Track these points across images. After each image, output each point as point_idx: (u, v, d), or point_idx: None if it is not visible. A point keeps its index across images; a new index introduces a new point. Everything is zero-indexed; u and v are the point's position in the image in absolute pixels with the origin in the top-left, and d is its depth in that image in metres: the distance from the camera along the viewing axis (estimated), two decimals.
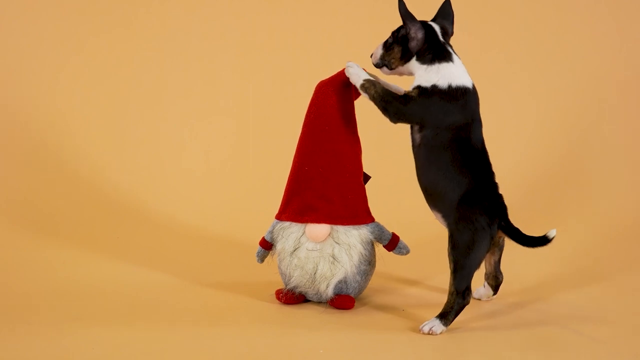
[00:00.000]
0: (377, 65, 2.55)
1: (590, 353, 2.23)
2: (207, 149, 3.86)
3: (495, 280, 2.62)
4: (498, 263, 2.59)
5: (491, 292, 2.64)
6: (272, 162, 3.71)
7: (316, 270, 2.53)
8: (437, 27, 2.48)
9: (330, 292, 2.55)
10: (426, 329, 2.34)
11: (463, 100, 2.40)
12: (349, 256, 2.55)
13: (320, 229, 2.54)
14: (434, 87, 2.39)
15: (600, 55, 3.96)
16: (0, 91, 3.86)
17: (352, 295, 2.60)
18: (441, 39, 2.46)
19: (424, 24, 2.48)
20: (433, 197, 2.43)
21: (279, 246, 2.60)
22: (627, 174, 3.76)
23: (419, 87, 2.41)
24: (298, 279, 2.56)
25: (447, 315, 2.35)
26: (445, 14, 2.55)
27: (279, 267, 2.63)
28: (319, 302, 2.63)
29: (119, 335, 2.34)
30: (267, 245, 2.65)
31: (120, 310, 2.55)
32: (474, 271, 2.37)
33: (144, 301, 2.64)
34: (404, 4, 2.46)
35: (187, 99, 3.94)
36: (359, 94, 2.62)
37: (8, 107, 3.86)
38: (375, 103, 2.47)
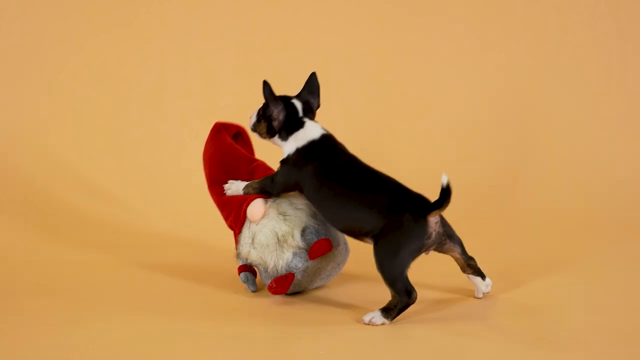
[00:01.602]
0: (252, 130, 2.74)
1: (576, 345, 2.23)
2: None
3: (471, 268, 2.61)
4: (463, 253, 2.57)
5: (479, 279, 2.61)
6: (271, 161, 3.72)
7: (277, 235, 2.57)
8: (299, 105, 2.66)
9: (298, 238, 2.57)
10: (367, 319, 2.41)
11: (310, 150, 2.58)
12: (296, 207, 2.62)
13: (256, 204, 2.62)
14: (288, 156, 2.61)
15: (600, 55, 3.96)
16: (0, 91, 3.87)
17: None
18: (301, 115, 2.64)
19: (287, 104, 2.65)
20: (355, 232, 2.51)
21: (243, 253, 2.63)
22: (624, 170, 3.78)
23: (280, 162, 2.64)
24: (271, 257, 2.57)
25: (389, 311, 2.41)
26: (311, 88, 2.72)
27: (257, 268, 2.65)
28: (315, 288, 2.66)
29: (119, 336, 2.34)
30: (246, 268, 2.69)
31: (120, 310, 2.56)
32: (405, 272, 2.41)
33: (144, 301, 2.64)
34: (268, 86, 2.65)
35: (187, 99, 3.94)
36: (233, 132, 2.94)
37: (8, 106, 3.87)
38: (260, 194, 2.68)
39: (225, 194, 2.75)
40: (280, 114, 2.63)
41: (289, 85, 3.96)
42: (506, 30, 3.99)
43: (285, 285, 2.58)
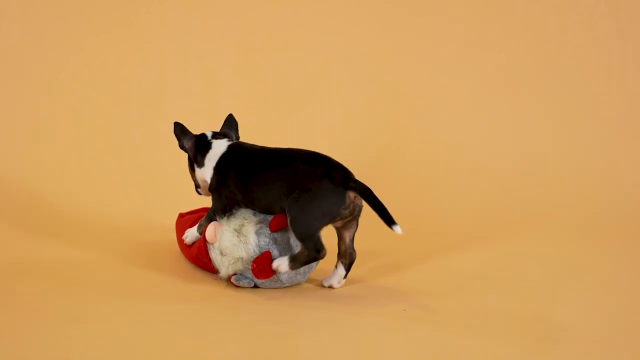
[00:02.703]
0: (197, 189, 2.93)
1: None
2: None
3: (349, 258, 2.69)
4: (352, 240, 2.67)
5: (344, 272, 2.70)
6: None
7: (235, 230, 2.66)
8: (209, 133, 2.86)
9: (250, 216, 2.68)
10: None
11: (224, 164, 2.75)
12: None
13: (208, 228, 2.72)
14: (211, 181, 2.78)
15: (599, 56, 3.96)
16: (0, 91, 3.87)
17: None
18: (209, 139, 2.83)
19: (197, 135, 2.86)
20: (274, 206, 2.64)
21: (223, 270, 2.70)
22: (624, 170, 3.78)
23: (209, 191, 2.82)
24: (240, 250, 2.64)
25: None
26: (229, 125, 2.94)
27: (238, 270, 2.69)
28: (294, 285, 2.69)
29: (120, 335, 2.34)
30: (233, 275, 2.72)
31: (120, 310, 2.55)
32: (318, 233, 2.54)
33: (146, 300, 2.63)
34: (177, 126, 2.88)
35: (187, 99, 3.94)
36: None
37: (8, 106, 3.86)
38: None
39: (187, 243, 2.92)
40: (189, 142, 2.84)
41: (289, 85, 3.97)
42: (506, 30, 3.99)
43: (266, 262, 2.63)
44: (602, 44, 3.96)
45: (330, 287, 2.72)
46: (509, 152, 3.88)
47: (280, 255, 2.65)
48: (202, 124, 3.88)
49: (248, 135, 3.87)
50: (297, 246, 2.66)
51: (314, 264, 2.72)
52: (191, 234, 2.90)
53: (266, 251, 2.64)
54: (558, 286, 2.80)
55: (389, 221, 2.52)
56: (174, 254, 3.13)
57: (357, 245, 2.71)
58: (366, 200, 2.54)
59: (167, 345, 2.28)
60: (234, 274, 2.69)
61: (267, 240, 2.65)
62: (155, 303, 2.61)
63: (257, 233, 2.65)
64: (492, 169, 3.85)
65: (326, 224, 2.55)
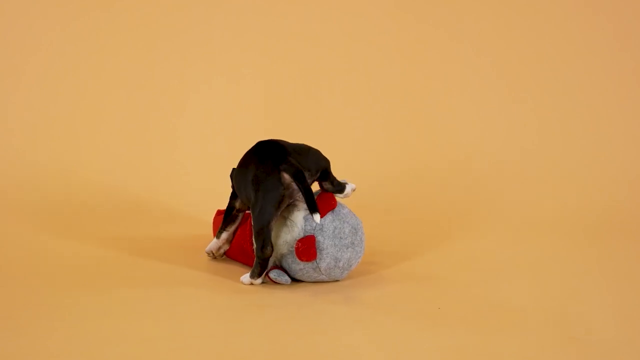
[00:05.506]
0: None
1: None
2: (209, 151, 3.88)
3: (337, 186, 2.77)
4: (331, 182, 2.75)
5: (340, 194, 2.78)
6: None
7: (285, 215, 2.68)
8: None
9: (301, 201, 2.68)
10: (242, 278, 2.67)
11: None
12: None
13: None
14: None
15: (599, 56, 4.04)
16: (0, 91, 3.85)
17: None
18: None
19: None
20: (242, 193, 2.73)
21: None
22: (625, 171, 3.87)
23: None
24: (286, 231, 2.67)
25: (253, 271, 2.63)
26: None
27: (280, 256, 2.71)
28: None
29: (144, 330, 2.29)
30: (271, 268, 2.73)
31: (147, 304, 2.51)
32: (270, 225, 2.58)
33: (149, 299, 2.57)
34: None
35: (187, 100, 3.94)
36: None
37: (8, 107, 3.84)
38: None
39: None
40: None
41: (289, 84, 3.96)
42: (505, 31, 4.04)
43: (310, 243, 2.63)
44: (600, 44, 4.02)
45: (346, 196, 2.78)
46: (520, 155, 3.93)
47: (325, 241, 2.65)
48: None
49: (245, 136, 3.84)
50: (341, 238, 2.67)
51: (353, 262, 2.71)
52: (213, 243, 2.95)
53: (311, 234, 2.66)
54: (580, 283, 2.80)
55: (311, 209, 2.57)
56: (179, 252, 3.10)
57: (384, 248, 2.68)
58: (295, 183, 2.59)
59: (191, 340, 2.23)
60: (273, 268, 2.70)
61: (314, 225, 2.66)
62: (157, 300, 2.57)
63: (305, 218, 2.66)
64: (500, 169, 3.90)
65: (276, 209, 2.60)
